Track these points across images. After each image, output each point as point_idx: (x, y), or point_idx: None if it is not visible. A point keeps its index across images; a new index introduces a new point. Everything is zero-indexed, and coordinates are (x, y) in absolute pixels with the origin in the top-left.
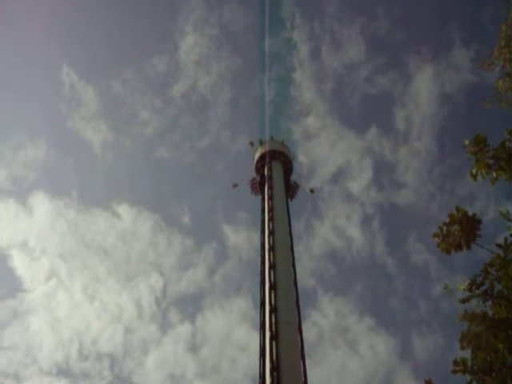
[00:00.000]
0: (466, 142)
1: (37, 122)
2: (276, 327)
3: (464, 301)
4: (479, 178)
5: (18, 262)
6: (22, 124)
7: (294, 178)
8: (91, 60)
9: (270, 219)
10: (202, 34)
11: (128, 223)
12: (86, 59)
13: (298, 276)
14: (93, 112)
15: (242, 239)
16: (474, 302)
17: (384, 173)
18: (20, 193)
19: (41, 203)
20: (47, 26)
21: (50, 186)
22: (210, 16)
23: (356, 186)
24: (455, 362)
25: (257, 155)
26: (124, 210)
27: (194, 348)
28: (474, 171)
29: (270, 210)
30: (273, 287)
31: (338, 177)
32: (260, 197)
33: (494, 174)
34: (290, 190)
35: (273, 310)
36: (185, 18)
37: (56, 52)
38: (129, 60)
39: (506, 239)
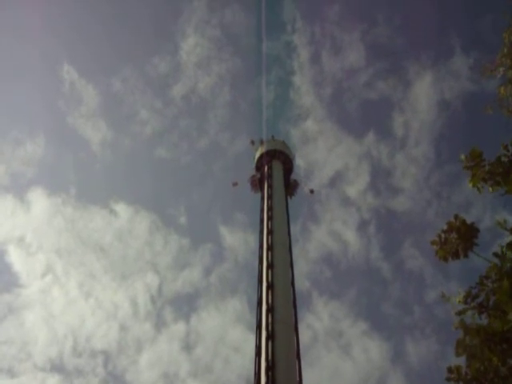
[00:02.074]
0: (462, 156)
1: (36, 119)
2: (272, 327)
3: (459, 313)
4: (476, 191)
5: (15, 258)
6: (22, 120)
7: (293, 177)
8: (92, 58)
9: (269, 218)
10: (203, 35)
11: (125, 222)
12: (86, 57)
13: (294, 277)
14: (92, 110)
15: (239, 241)
16: (469, 313)
17: (381, 178)
18: (18, 188)
19: (38, 199)
20: (48, 24)
21: (48, 182)
22: (211, 17)
23: (353, 190)
24: (449, 370)
25: (257, 154)
26: (121, 208)
27: (187, 347)
28: (470, 185)
29: (270, 209)
30: (270, 287)
31: (336, 181)
32: (259, 194)
33: (490, 189)
34: (290, 187)
35: (269, 309)
36: (186, 18)
37: (57, 49)
38: (130, 59)
39: (502, 248)
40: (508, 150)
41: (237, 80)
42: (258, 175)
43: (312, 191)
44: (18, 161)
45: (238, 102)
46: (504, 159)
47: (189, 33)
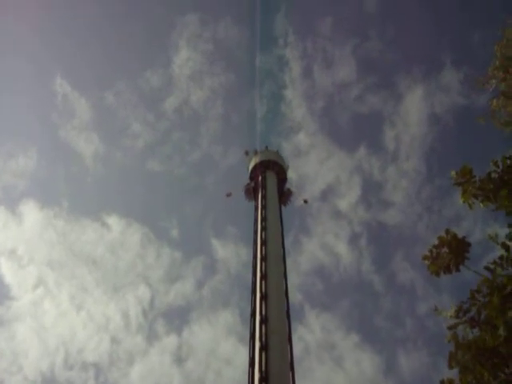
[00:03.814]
0: (452, 173)
1: (29, 131)
2: (266, 338)
3: (451, 327)
4: (467, 207)
5: (6, 270)
6: (14, 133)
7: (287, 187)
8: (85, 71)
9: (263, 229)
10: (195, 49)
11: (117, 234)
12: (79, 70)
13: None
14: (85, 123)
15: (231, 253)
16: (461, 326)
17: (372, 191)
18: (10, 201)
19: (30, 212)
20: (42, 37)
21: (41, 195)
22: (204, 31)
23: (344, 203)
24: (442, 383)
25: (251, 164)
26: (113, 221)
27: (179, 360)
28: (461, 201)
29: (263, 219)
30: (263, 297)
31: (327, 194)
32: (252, 205)
33: (481, 205)
34: (284, 196)
35: (263, 320)
36: (179, 32)
37: (50, 63)
38: (122, 73)
39: (495, 262)
40: (498, 166)
41: (229, 93)
42: (252, 184)
43: (306, 201)
44: (9, 173)
45: (230, 115)
46: (494, 175)
47: (181, 46)
